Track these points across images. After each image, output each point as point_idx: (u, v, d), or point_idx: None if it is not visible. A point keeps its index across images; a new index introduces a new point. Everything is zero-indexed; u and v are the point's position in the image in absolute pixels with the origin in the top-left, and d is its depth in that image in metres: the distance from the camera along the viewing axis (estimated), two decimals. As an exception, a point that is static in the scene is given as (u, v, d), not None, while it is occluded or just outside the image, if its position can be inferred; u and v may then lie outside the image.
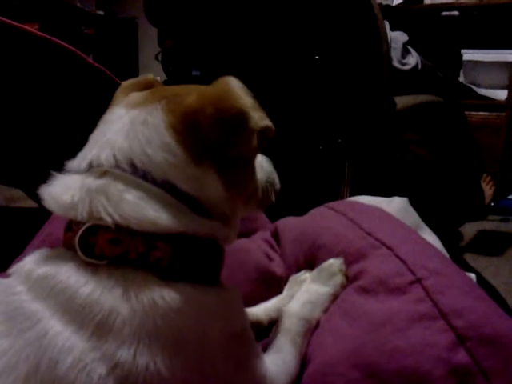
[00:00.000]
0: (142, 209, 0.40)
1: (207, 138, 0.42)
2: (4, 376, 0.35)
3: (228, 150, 0.43)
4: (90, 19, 3.66)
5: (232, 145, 0.43)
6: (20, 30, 0.97)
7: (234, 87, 0.44)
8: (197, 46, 1.54)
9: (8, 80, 1.01)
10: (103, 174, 0.41)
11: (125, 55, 3.84)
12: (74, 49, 1.03)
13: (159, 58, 1.67)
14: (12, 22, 0.96)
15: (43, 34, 1.00)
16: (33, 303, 0.38)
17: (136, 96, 0.47)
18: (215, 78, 0.46)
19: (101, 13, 3.86)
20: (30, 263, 0.41)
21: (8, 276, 0.42)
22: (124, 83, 0.51)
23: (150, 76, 0.52)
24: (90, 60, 1.08)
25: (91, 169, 0.42)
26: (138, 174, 0.41)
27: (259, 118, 0.44)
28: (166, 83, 1.70)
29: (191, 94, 0.43)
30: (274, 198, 0.55)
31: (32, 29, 1.01)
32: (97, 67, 1.07)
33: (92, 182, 0.41)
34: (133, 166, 0.42)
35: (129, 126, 0.43)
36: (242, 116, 0.42)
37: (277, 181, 0.56)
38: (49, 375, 0.35)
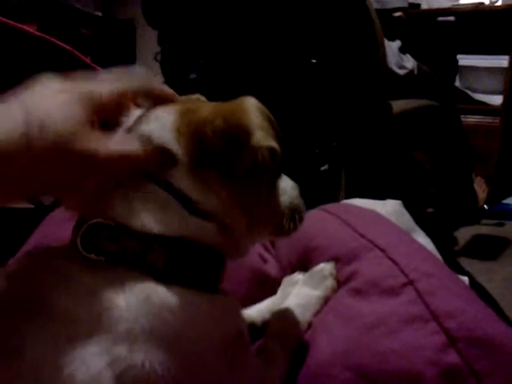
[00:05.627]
0: (140, 210, 0.41)
1: (211, 147, 0.43)
2: None
3: (232, 165, 0.44)
4: (88, 20, 3.65)
5: (234, 159, 0.43)
6: (17, 30, 0.97)
7: (248, 105, 0.45)
8: (194, 48, 1.54)
9: (5, 79, 1.01)
10: None
11: (122, 57, 3.84)
12: (71, 49, 1.03)
13: (158, 58, 1.67)
14: (9, 22, 0.96)
15: (41, 34, 1.00)
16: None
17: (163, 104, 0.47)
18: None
19: (99, 14, 3.86)
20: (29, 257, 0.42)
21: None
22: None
23: (197, 95, 0.53)
24: (88, 61, 1.08)
25: None
26: None
27: (262, 137, 0.44)
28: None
29: (207, 106, 0.45)
30: (297, 226, 0.52)
31: (29, 28, 1.01)
32: (95, 68, 1.07)
33: None
34: None
35: (140, 118, 0.44)
36: (244, 132, 0.43)
37: (302, 208, 0.54)
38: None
